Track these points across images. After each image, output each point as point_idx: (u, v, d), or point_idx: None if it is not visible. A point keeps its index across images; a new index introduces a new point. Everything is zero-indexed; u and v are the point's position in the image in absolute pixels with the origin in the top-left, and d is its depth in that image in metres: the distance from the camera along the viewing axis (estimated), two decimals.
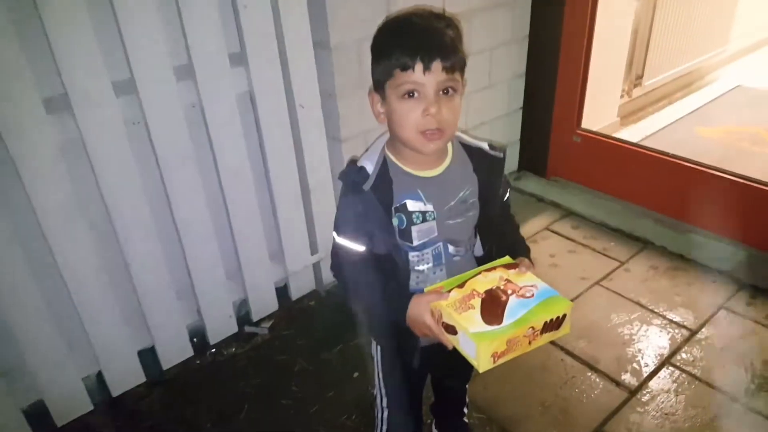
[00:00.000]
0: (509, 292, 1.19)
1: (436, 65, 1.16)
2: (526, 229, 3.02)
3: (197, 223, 2.18)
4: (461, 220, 1.34)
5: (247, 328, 2.50)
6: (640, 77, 4.40)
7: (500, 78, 3.14)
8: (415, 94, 1.19)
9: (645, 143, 3.62)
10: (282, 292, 2.63)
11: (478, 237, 1.41)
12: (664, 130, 4.24)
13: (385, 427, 1.63)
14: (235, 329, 2.47)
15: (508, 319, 1.12)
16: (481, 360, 1.10)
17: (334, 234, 1.35)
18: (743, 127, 4.23)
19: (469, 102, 3.00)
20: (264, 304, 2.54)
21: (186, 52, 1.95)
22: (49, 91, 1.78)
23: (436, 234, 1.31)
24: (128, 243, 2.02)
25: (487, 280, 1.23)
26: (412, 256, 1.33)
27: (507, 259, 1.31)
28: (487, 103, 3.12)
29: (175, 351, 2.33)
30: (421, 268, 1.34)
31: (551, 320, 1.14)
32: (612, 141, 3.22)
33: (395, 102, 1.21)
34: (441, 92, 1.19)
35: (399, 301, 1.26)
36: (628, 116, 4.42)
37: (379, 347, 1.54)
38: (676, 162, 2.90)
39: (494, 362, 1.11)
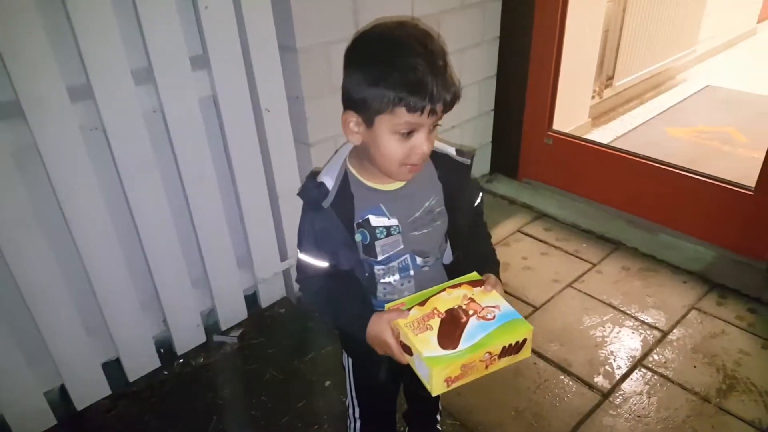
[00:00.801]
0: (470, 312, 1.15)
1: (440, 107, 1.13)
2: (498, 232, 3.00)
3: (160, 231, 2.13)
4: (428, 231, 1.31)
5: (216, 338, 2.45)
6: (610, 78, 4.43)
7: (471, 80, 3.12)
8: (411, 133, 1.15)
9: (616, 144, 3.64)
10: (251, 299, 2.59)
11: (448, 243, 1.39)
12: (634, 130, 4.28)
13: None
14: (203, 339, 2.42)
15: (465, 343, 1.09)
16: (434, 384, 1.07)
17: (297, 250, 1.32)
18: (713, 127, 4.27)
19: None
20: (232, 312, 2.50)
21: (145, 54, 1.90)
22: None
23: (401, 247, 1.29)
24: (88, 253, 1.97)
25: (450, 297, 1.19)
26: (378, 269, 1.30)
27: (474, 275, 1.27)
28: (458, 105, 3.08)
29: (141, 362, 2.27)
30: (387, 280, 1.32)
31: (510, 345, 1.11)
32: (583, 143, 3.23)
33: (386, 135, 1.15)
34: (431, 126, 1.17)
35: (360, 319, 1.23)
36: (599, 117, 4.46)
37: (350, 358, 1.52)
38: (647, 163, 2.91)
39: (448, 386, 1.08)
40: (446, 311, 1.16)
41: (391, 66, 1.10)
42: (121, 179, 1.97)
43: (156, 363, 2.31)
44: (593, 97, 4.30)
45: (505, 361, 1.13)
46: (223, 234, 2.31)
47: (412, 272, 1.32)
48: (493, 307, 1.17)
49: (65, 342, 2.02)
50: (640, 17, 4.31)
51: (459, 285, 1.23)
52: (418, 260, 1.32)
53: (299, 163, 2.41)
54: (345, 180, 1.26)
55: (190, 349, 2.40)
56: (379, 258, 1.28)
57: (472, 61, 3.07)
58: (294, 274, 2.55)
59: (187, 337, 2.38)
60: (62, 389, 2.13)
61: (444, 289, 1.22)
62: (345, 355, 1.53)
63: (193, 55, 2.01)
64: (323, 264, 1.29)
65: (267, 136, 2.26)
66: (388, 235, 1.26)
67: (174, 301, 2.27)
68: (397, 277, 1.31)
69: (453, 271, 1.35)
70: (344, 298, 1.29)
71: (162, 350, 2.35)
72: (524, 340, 1.13)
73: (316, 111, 2.32)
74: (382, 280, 1.32)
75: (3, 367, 1.91)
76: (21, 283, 1.85)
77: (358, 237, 1.26)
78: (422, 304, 1.18)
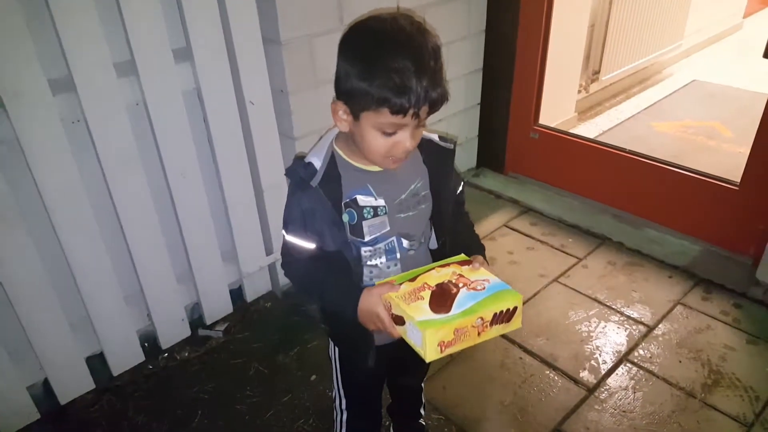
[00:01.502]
0: (460, 285, 1.17)
1: (424, 110, 1.13)
2: (485, 226, 2.99)
3: (144, 226, 2.11)
4: (413, 214, 1.32)
5: (201, 332, 2.44)
6: (597, 72, 4.42)
7: (457, 74, 3.11)
8: (395, 131, 1.16)
9: (602, 138, 3.64)
10: (237, 294, 2.58)
11: (432, 230, 1.40)
12: (621, 125, 4.28)
13: (343, 430, 1.61)
14: (187, 333, 2.41)
15: (456, 309, 1.11)
16: (427, 348, 1.08)
17: (283, 232, 1.33)
18: (698, 121, 4.28)
19: None
20: (218, 306, 2.48)
21: (127, 46, 1.88)
22: None
23: (388, 228, 1.30)
24: (71, 247, 1.95)
25: (439, 275, 1.21)
26: (365, 251, 1.31)
27: (462, 256, 1.30)
28: None
29: (125, 356, 2.26)
30: (374, 262, 1.33)
31: (501, 312, 1.13)
32: (569, 137, 3.23)
33: (370, 130, 1.17)
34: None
35: (349, 295, 1.24)
36: (585, 111, 4.45)
37: (336, 349, 1.52)
38: (633, 158, 2.91)
39: (441, 351, 1.09)
40: (437, 285, 1.17)
41: (377, 66, 1.10)
42: (104, 173, 1.95)
43: (140, 357, 2.30)
44: (579, 92, 4.30)
45: (497, 330, 1.14)
46: (208, 228, 2.30)
47: (398, 255, 1.33)
48: (483, 280, 1.19)
49: (48, 336, 2.01)
50: (627, 12, 4.30)
51: (448, 265, 1.25)
52: (405, 243, 1.33)
53: (284, 157, 2.40)
54: (332, 161, 1.27)
55: (175, 343, 2.39)
56: (366, 239, 1.29)
57: (458, 54, 3.06)
58: (280, 268, 2.56)
59: (172, 331, 2.36)
60: (46, 383, 2.11)
61: (433, 269, 1.23)
62: (332, 345, 1.53)
63: (176, 48, 2.00)
64: (310, 246, 1.30)
65: (251, 130, 2.24)
66: (375, 215, 1.27)
67: (158, 295, 2.25)
68: (383, 259, 1.32)
69: (439, 256, 1.36)
70: (332, 277, 1.30)
71: (146, 344, 2.34)
72: (515, 309, 1.14)
73: (300, 104, 2.31)
74: (368, 263, 1.32)
75: None
76: (4, 278, 1.84)
77: (345, 217, 1.26)
78: (412, 280, 1.20)
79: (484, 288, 1.16)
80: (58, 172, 1.84)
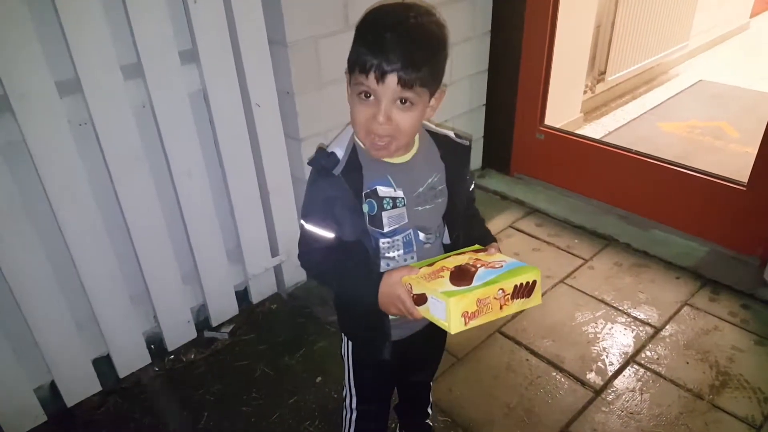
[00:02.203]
0: (478, 265, 1.18)
1: (391, 78, 1.14)
2: (490, 228, 2.89)
3: (150, 227, 2.11)
4: (430, 207, 1.34)
5: (207, 334, 2.44)
6: (603, 73, 4.41)
7: (462, 74, 3.11)
8: (370, 97, 1.18)
9: (608, 139, 3.63)
10: (242, 295, 2.58)
11: (445, 225, 1.42)
12: (627, 125, 4.27)
13: (352, 429, 1.62)
14: (193, 335, 2.41)
15: (477, 282, 1.11)
16: (452, 320, 1.07)
17: (302, 222, 1.34)
18: (705, 122, 4.26)
19: None
20: (223, 308, 2.49)
21: (134, 48, 1.88)
22: None
23: (406, 221, 1.31)
24: (78, 248, 1.96)
25: (456, 260, 1.22)
26: (383, 242, 1.32)
27: (476, 246, 1.31)
28: (448, 99, 3.03)
29: (131, 358, 2.27)
30: (392, 254, 1.34)
31: (521, 284, 1.13)
32: (575, 138, 3.22)
33: (353, 96, 1.21)
34: (399, 101, 1.18)
35: (369, 280, 1.25)
36: (591, 112, 4.45)
37: (350, 344, 1.52)
38: (639, 158, 2.90)
39: (466, 323, 1.08)
40: (455, 266, 1.18)
41: (366, 32, 1.17)
42: (111, 174, 1.96)
43: (146, 359, 2.30)
44: (585, 92, 4.29)
45: (518, 304, 1.14)
46: (214, 230, 2.30)
47: (415, 248, 1.35)
48: (500, 261, 1.20)
49: (55, 338, 2.01)
50: (633, 12, 4.29)
51: (464, 253, 1.27)
52: (421, 236, 1.35)
53: (290, 159, 2.40)
54: (354, 151, 1.29)
55: (181, 345, 2.39)
56: (386, 229, 1.30)
57: (464, 55, 3.06)
58: (286, 270, 2.58)
59: (178, 333, 2.37)
60: (52, 386, 2.12)
61: (449, 256, 1.25)
62: (345, 342, 1.53)
63: (183, 50, 2.00)
64: (329, 235, 1.31)
65: (257, 132, 2.25)
66: (394, 207, 1.29)
67: (164, 297, 2.26)
68: (401, 252, 1.34)
69: (452, 251, 1.36)
70: (350, 263, 1.31)
71: (152, 346, 2.34)
72: (534, 282, 1.15)
73: (306, 106, 2.31)
74: (386, 255, 1.33)
75: None
76: (10, 279, 1.84)
77: (365, 207, 1.28)
78: (430, 266, 1.21)
79: (501, 266, 1.17)
80: (64, 173, 1.85)
